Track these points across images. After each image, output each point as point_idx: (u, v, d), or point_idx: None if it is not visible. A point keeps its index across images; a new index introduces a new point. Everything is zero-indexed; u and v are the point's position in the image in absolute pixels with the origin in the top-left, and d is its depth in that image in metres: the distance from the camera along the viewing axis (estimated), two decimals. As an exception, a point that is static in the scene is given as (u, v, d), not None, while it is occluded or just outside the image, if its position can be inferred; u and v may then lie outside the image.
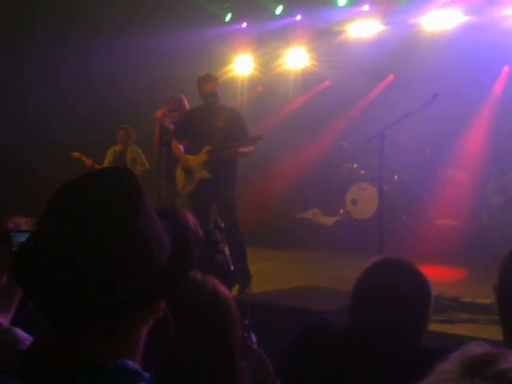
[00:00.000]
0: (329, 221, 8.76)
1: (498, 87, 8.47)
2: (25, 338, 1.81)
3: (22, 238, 1.79)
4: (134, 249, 1.00)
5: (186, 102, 6.53)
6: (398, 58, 8.55)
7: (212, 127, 5.55)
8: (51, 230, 1.01)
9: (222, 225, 3.33)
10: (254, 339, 2.55)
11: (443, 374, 0.76)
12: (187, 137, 5.76)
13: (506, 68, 8.54)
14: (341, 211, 8.83)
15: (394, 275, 2.03)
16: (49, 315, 1.02)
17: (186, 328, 1.52)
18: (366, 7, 8.71)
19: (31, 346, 1.64)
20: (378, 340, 1.94)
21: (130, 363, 1.01)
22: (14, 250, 1.83)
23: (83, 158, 7.95)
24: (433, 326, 3.92)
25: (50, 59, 8.66)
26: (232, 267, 3.11)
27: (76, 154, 8.00)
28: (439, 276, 5.90)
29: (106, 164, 7.90)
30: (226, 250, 3.17)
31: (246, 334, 2.52)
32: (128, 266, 0.99)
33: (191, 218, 2.74)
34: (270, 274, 5.88)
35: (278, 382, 2.20)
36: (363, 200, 8.30)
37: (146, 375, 1.02)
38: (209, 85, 5.63)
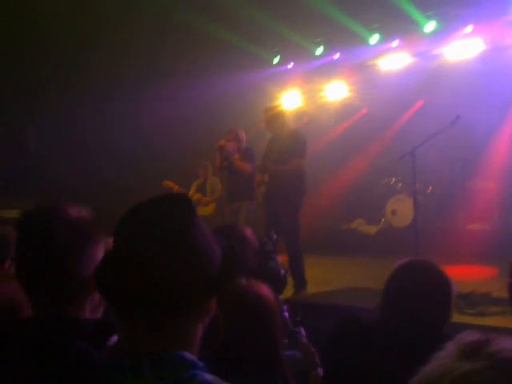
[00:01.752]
0: (372, 230, 8.65)
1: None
2: None
3: None
4: (186, 258, 1.06)
5: (242, 135, 6.62)
6: (426, 86, 8.42)
7: (272, 151, 5.64)
8: (123, 244, 1.09)
9: (275, 236, 3.37)
10: (303, 333, 2.57)
11: (443, 359, 0.76)
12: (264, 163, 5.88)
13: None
14: (382, 221, 8.72)
15: (419, 274, 2.02)
16: (121, 313, 1.09)
17: (235, 325, 1.58)
18: (395, 43, 8.63)
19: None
20: (404, 332, 1.92)
21: (187, 354, 1.06)
22: None
23: (176, 187, 8.07)
24: (466, 319, 3.83)
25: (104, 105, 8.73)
26: (282, 272, 3.15)
27: (168, 183, 8.12)
28: (471, 275, 5.73)
29: (191, 193, 8.16)
30: (278, 257, 3.22)
31: (296, 329, 2.55)
32: (182, 272, 1.05)
33: (249, 232, 2.81)
34: (321, 278, 5.85)
35: (321, 369, 2.21)
36: (401, 210, 8.15)
37: (201, 364, 1.06)
38: (265, 115, 5.78)
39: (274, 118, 5.71)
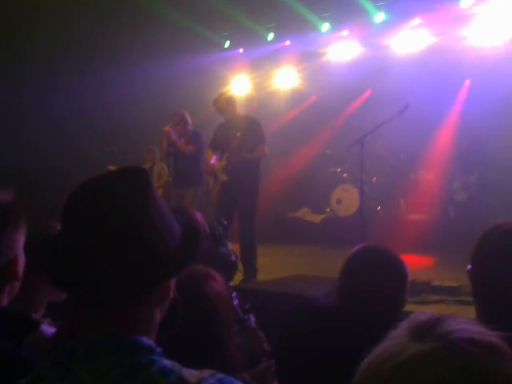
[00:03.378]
0: (317, 218, 8.77)
1: (460, 98, 8.51)
2: (49, 326, 1.80)
3: None
4: (144, 237, 1.00)
5: (188, 117, 6.55)
6: (374, 75, 8.58)
7: (231, 137, 5.59)
8: (74, 224, 1.02)
9: (225, 222, 3.35)
10: (252, 320, 2.56)
11: (395, 339, 0.76)
12: (218, 148, 5.81)
13: (466, 82, 8.57)
14: (327, 210, 8.85)
15: (376, 257, 2.07)
16: (75, 296, 1.03)
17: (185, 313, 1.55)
18: (345, 32, 8.74)
19: (58, 330, 1.65)
20: (362, 314, 1.94)
21: (145, 339, 1.01)
22: None
23: None
24: (408, 307, 3.94)
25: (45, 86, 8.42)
26: (233, 258, 3.14)
27: (113, 168, 7.91)
28: (412, 263, 5.86)
29: None
30: (229, 243, 3.20)
31: (245, 317, 2.54)
32: (139, 252, 0.99)
33: (199, 216, 2.77)
34: (268, 266, 5.88)
35: (272, 359, 2.20)
36: (346, 200, 8.31)
37: (159, 349, 1.02)
38: (218, 103, 5.73)
39: (227, 103, 5.68)
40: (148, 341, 1.02)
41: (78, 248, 0.99)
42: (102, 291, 0.99)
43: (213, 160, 5.81)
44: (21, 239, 1.41)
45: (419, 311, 0.80)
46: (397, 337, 0.77)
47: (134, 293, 1.01)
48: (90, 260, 0.98)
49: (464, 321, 0.77)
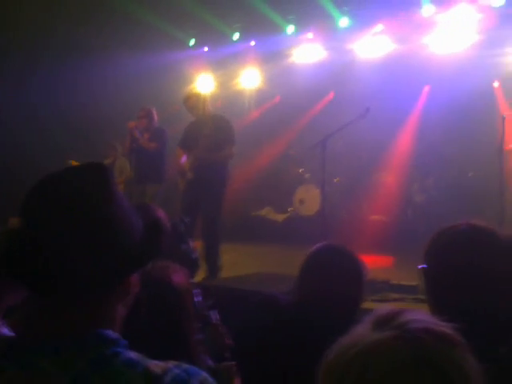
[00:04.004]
0: (279, 217, 8.84)
1: (420, 103, 8.73)
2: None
3: None
4: (105, 232, 1.01)
5: (154, 113, 6.52)
6: (338, 78, 8.71)
7: (200, 135, 5.57)
8: (35, 220, 1.01)
9: (187, 219, 3.35)
10: (213, 317, 2.57)
11: (358, 330, 0.82)
12: (186, 146, 5.77)
13: (426, 87, 8.80)
14: (290, 209, 8.93)
15: (335, 256, 2.11)
16: (38, 292, 1.02)
17: (147, 309, 1.55)
18: (310, 35, 8.84)
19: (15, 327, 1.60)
20: (321, 311, 1.99)
21: (110, 332, 1.02)
22: None
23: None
24: (367, 305, 4.02)
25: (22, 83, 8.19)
26: (194, 255, 3.14)
27: (74, 163, 7.72)
28: (372, 263, 6.02)
29: None
30: (191, 241, 3.20)
31: (207, 313, 2.54)
32: (101, 247, 1.00)
33: (161, 212, 2.75)
34: (231, 264, 5.90)
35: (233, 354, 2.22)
36: (309, 199, 8.41)
37: (123, 341, 1.02)
38: (188, 102, 5.72)
39: (197, 100, 5.68)
40: (113, 334, 1.02)
41: (41, 242, 0.98)
42: (66, 285, 0.98)
43: (183, 159, 5.79)
44: None
45: (383, 306, 0.85)
46: (360, 329, 0.82)
47: (98, 287, 1.01)
48: (53, 254, 0.97)
49: (420, 314, 0.82)
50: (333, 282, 2.03)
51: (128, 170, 7.78)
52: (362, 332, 0.81)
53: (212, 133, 5.49)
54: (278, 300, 2.23)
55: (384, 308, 0.85)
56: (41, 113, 8.35)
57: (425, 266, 1.56)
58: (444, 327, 0.80)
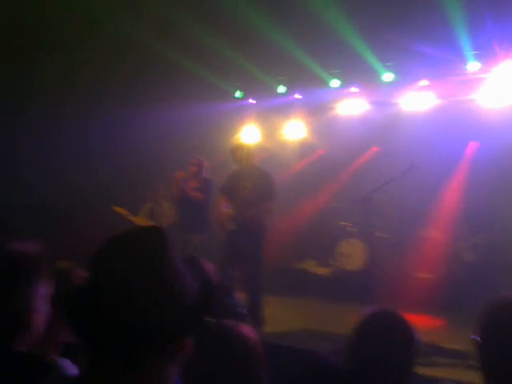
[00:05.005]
0: (323, 271, 8.71)
1: (466, 159, 8.61)
2: (69, 366, 1.79)
3: None
4: (166, 290, 1.04)
5: (205, 164, 6.67)
6: (381, 133, 8.73)
7: (242, 187, 5.63)
8: (102, 278, 1.05)
9: (232, 273, 3.35)
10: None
11: None
12: (228, 193, 5.83)
13: (471, 143, 8.70)
14: (333, 263, 8.79)
15: (388, 323, 2.09)
16: (94, 349, 1.04)
17: (219, 366, 1.54)
18: (354, 89, 8.94)
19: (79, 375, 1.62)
20: (373, 380, 1.96)
21: None
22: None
23: (125, 212, 7.66)
24: (417, 369, 3.87)
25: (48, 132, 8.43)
26: (240, 309, 3.11)
27: (117, 209, 7.71)
28: (419, 323, 5.82)
29: (141, 217, 7.78)
30: (236, 294, 3.18)
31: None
32: (161, 309, 1.02)
33: (210, 266, 2.77)
34: (273, 318, 5.82)
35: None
36: (352, 254, 8.27)
37: None
38: (237, 153, 5.81)
39: (241, 152, 5.77)
40: None
41: (106, 303, 1.01)
42: (123, 342, 1.00)
43: (223, 207, 5.85)
44: (42, 289, 1.43)
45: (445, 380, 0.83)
46: None
47: (155, 347, 1.02)
48: (115, 311, 1.00)
49: None
50: (386, 350, 2.02)
51: (172, 214, 7.78)
52: None
53: (254, 186, 5.55)
54: (329, 364, 2.18)
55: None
56: (97, 158, 8.66)
57: (478, 338, 1.52)
58: None
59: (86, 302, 1.03)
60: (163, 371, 1.05)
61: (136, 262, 1.05)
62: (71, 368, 1.82)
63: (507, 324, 1.43)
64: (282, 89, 9.29)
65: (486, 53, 7.55)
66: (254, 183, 5.57)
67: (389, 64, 8.38)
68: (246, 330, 1.79)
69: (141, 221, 7.57)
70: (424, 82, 8.30)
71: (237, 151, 5.82)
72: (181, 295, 1.06)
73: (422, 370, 3.83)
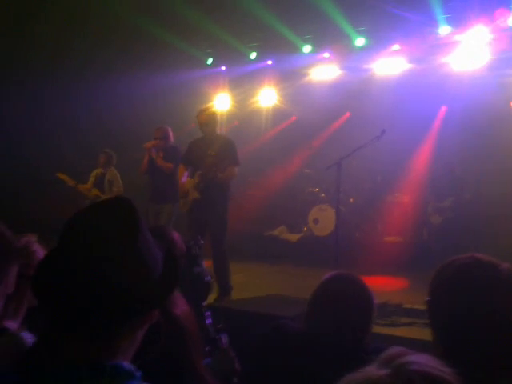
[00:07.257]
0: (293, 237, 8.84)
1: (436, 124, 8.73)
2: (31, 340, 1.82)
3: None
4: (134, 265, 1.05)
5: (171, 133, 6.61)
6: (354, 98, 8.77)
7: (205, 154, 5.64)
8: (66, 252, 1.06)
9: (202, 241, 3.39)
10: (224, 340, 2.60)
11: (367, 368, 0.86)
12: (190, 163, 5.84)
13: (443, 108, 8.80)
14: (304, 229, 8.94)
15: (344, 287, 2.15)
16: (59, 320, 1.05)
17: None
18: (326, 54, 8.92)
19: (32, 346, 1.65)
20: (328, 341, 2.03)
21: (126, 364, 1.04)
22: None
23: (67, 179, 7.48)
24: (378, 329, 4.02)
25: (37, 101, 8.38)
26: (208, 278, 3.18)
27: (61, 175, 7.53)
28: (385, 285, 6.01)
29: (89, 184, 7.59)
30: (204, 263, 3.24)
31: (217, 336, 2.58)
32: (129, 280, 1.04)
33: (176, 235, 2.81)
34: (242, 284, 5.93)
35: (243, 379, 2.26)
36: (323, 219, 8.41)
37: (139, 374, 1.05)
38: (201, 116, 5.78)
39: (209, 118, 5.75)
40: (128, 365, 1.04)
41: (69, 273, 1.02)
42: (89, 316, 1.02)
43: (183, 178, 5.86)
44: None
45: (393, 347, 0.89)
46: (369, 366, 0.87)
47: (121, 319, 1.04)
48: (80, 283, 1.01)
49: (425, 357, 0.86)
50: (342, 313, 2.07)
51: (120, 186, 7.57)
52: (369, 369, 0.85)
53: (219, 153, 5.56)
54: (289, 327, 2.27)
55: (396, 348, 0.89)
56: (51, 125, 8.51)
57: (430, 299, 1.60)
58: (443, 373, 0.83)
59: (59, 274, 1.04)
60: (129, 341, 1.08)
61: (110, 235, 1.06)
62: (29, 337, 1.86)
63: (453, 286, 1.51)
64: (253, 55, 9.22)
65: (457, 17, 7.57)
66: (219, 150, 5.59)
67: (361, 29, 8.35)
68: (180, 302, 1.84)
69: (84, 188, 7.50)
70: (396, 47, 8.31)
71: (203, 116, 5.78)
72: (153, 267, 1.09)
73: (380, 330, 3.99)
